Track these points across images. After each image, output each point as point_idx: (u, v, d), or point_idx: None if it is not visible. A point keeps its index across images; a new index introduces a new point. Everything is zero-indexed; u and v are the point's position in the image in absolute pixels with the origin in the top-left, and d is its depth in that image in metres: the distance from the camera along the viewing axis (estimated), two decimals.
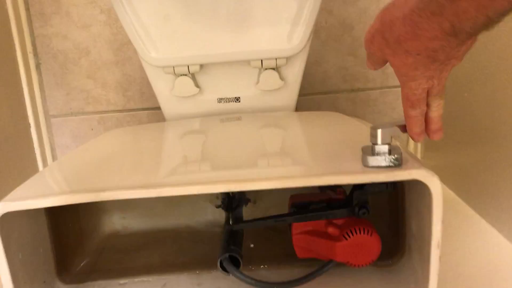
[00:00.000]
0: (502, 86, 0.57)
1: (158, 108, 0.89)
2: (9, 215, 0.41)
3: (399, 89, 0.86)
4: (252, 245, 0.55)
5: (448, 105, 0.73)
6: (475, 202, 0.65)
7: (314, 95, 0.89)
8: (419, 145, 0.90)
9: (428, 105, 0.41)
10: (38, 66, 0.89)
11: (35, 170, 0.89)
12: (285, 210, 0.51)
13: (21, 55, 0.85)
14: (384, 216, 0.56)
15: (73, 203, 0.40)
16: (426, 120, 0.42)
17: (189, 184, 0.40)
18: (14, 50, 0.85)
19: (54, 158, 0.93)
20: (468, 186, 0.67)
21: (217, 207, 0.56)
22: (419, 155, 0.89)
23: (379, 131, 0.40)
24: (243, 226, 0.52)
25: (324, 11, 0.85)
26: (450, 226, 0.62)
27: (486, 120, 0.62)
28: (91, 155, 0.53)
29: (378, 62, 0.43)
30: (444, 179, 0.75)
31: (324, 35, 0.86)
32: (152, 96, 0.90)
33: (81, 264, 0.55)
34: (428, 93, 0.40)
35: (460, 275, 0.50)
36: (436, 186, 0.39)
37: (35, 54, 0.88)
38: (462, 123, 0.70)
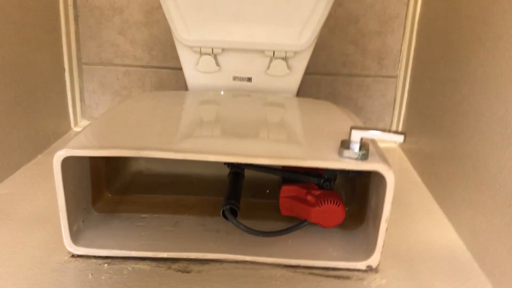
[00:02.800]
0: (467, 82, 0.68)
1: (178, 68, 1.01)
2: (68, 159, 0.54)
3: (391, 79, 1.00)
4: (268, 191, 0.71)
5: (426, 95, 0.85)
6: (433, 188, 0.79)
7: (315, 75, 1.01)
8: (399, 128, 1.02)
9: None
10: (76, 18, 0.99)
11: (65, 109, 1.01)
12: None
13: (62, 7, 0.96)
14: (354, 194, 0.70)
15: (119, 155, 0.53)
16: None
17: (206, 153, 0.53)
18: (57, 2, 0.95)
19: (82, 101, 1.05)
20: (431, 173, 0.80)
21: (225, 164, 0.69)
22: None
23: (354, 132, 0.53)
24: (243, 167, 0.66)
25: (335, 3, 0.95)
26: (408, 206, 0.75)
27: (452, 112, 0.73)
28: (128, 113, 0.66)
29: None
30: (414, 163, 0.89)
31: (332, 23, 0.97)
32: (173, 57, 1.02)
33: (111, 196, 0.70)
34: None
35: (401, 245, 0.64)
36: (391, 177, 0.52)
37: (75, 7, 0.99)
38: (434, 113, 0.81)
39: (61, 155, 0.53)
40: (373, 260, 0.57)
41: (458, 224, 0.67)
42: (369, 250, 0.58)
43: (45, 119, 0.91)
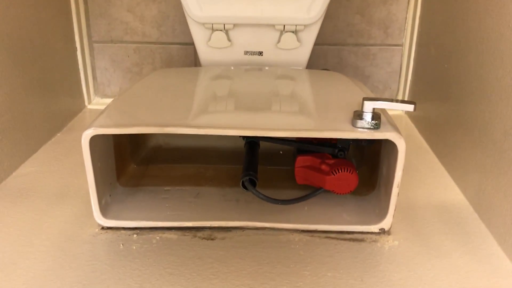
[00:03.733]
0: (476, 49, 0.70)
1: (187, 43, 1.03)
2: (94, 137, 0.57)
3: (397, 47, 1.02)
4: (281, 152, 0.76)
5: (434, 63, 0.87)
6: (440, 152, 0.82)
7: (323, 45, 1.03)
8: (406, 96, 1.05)
9: None
10: None
11: (79, 87, 1.04)
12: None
13: None
14: (364, 161, 0.73)
15: (143, 132, 0.56)
16: None
17: (226, 128, 0.56)
18: None
19: (94, 78, 1.08)
20: (438, 139, 0.83)
21: (240, 136, 0.72)
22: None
23: (366, 103, 0.56)
24: (259, 139, 0.69)
25: None
26: (416, 171, 0.79)
27: (458, 79, 0.75)
28: (146, 91, 0.69)
29: None
30: (421, 130, 0.91)
31: None
32: (182, 33, 1.03)
33: (133, 170, 0.73)
34: None
35: (412, 207, 0.68)
36: (402, 145, 0.55)
37: None
38: (440, 80, 0.84)
39: (89, 134, 0.56)
40: (386, 223, 0.60)
41: (465, 186, 0.71)
42: (382, 214, 0.61)
43: (60, 98, 0.94)
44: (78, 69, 1.03)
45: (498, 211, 0.60)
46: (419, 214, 0.66)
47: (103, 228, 0.62)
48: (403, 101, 0.56)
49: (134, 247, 0.58)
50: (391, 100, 0.56)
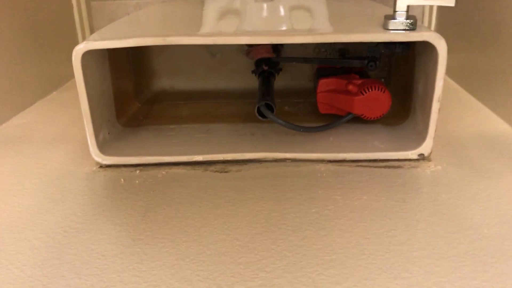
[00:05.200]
0: None
1: None
2: (87, 56, 0.49)
3: None
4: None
5: (460, 2, 0.79)
6: (475, 90, 0.74)
7: None
8: None
9: None
10: None
11: None
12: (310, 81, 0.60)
13: None
14: (397, 87, 0.65)
15: (142, 45, 0.49)
16: None
17: (239, 35, 0.49)
18: None
19: None
20: (470, 78, 0.75)
21: (252, 72, 0.64)
22: None
23: (399, 0, 0.48)
24: (277, 59, 0.61)
25: None
26: (452, 107, 0.70)
27: (491, 18, 0.68)
28: (148, 16, 0.61)
29: None
30: (449, 73, 0.83)
31: None
32: None
33: (135, 111, 0.65)
34: None
35: (451, 137, 0.59)
36: (442, 47, 0.47)
37: None
38: (470, 19, 0.76)
39: (80, 48, 0.48)
40: (425, 148, 0.52)
41: (508, 115, 0.62)
42: (419, 139, 0.53)
43: (57, 58, 0.87)
44: (75, 29, 0.96)
45: None
46: (461, 142, 0.58)
47: (101, 166, 0.54)
48: None
49: (137, 182, 0.51)
50: None
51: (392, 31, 0.48)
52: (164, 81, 0.73)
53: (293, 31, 0.50)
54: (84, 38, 0.96)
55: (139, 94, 0.70)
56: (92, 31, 1.00)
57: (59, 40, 0.88)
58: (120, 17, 0.96)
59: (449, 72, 0.86)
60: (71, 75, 0.50)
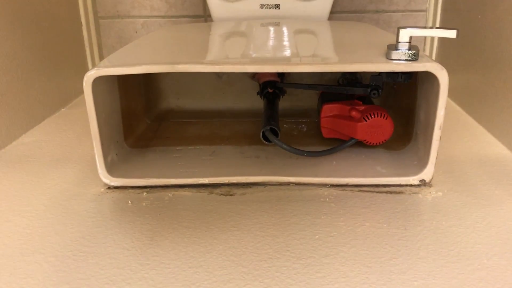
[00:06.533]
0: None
1: (197, 16, 0.97)
2: (97, 80, 0.51)
3: (421, 13, 0.95)
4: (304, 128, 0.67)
5: (462, 27, 0.81)
6: (476, 113, 0.75)
7: (342, 13, 0.97)
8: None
9: None
10: None
11: (84, 65, 0.98)
12: (315, 102, 0.61)
13: None
14: (398, 112, 0.66)
15: (152, 72, 0.50)
16: None
17: (246, 64, 0.50)
18: None
19: (101, 56, 1.02)
20: (471, 101, 0.76)
21: (257, 93, 0.65)
22: None
23: (402, 31, 0.49)
24: (282, 85, 0.62)
25: None
26: (453, 130, 0.71)
27: (493, 43, 0.69)
28: (155, 41, 0.63)
29: None
30: (451, 95, 0.85)
31: None
32: (192, 4, 0.98)
33: (143, 130, 0.67)
34: None
35: (452, 162, 0.60)
36: (444, 77, 0.49)
37: None
38: (472, 44, 0.77)
39: (92, 74, 0.50)
40: (426, 174, 0.53)
41: (508, 140, 0.63)
42: (421, 164, 0.54)
43: (66, 75, 0.88)
44: (84, 46, 0.98)
45: None
46: (462, 168, 0.59)
47: (109, 187, 0.56)
48: (443, 27, 0.49)
49: (144, 204, 0.52)
50: (431, 27, 0.50)
51: (394, 61, 0.49)
52: (172, 101, 0.75)
53: (299, 59, 0.51)
54: (92, 55, 0.98)
55: (146, 114, 0.71)
56: (100, 48, 1.02)
57: (68, 57, 0.90)
58: (127, 35, 0.98)
59: (450, 94, 0.87)
60: (79, 91, 0.52)
